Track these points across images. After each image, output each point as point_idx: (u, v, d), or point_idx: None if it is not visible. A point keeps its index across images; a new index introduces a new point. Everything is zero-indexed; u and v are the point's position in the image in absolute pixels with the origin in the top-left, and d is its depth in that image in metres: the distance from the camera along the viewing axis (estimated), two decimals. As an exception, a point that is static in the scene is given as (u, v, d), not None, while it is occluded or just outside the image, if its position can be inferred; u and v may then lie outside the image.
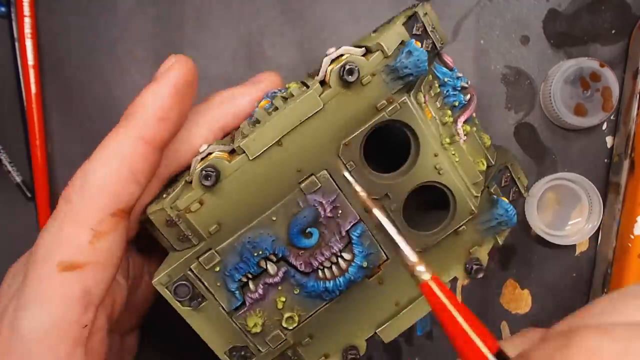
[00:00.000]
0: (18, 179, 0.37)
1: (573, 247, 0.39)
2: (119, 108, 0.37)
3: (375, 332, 0.27)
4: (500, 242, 0.27)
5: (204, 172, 0.23)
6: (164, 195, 0.25)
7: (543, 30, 0.37)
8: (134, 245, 0.30)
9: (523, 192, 0.28)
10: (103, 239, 0.23)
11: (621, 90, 0.37)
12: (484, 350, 0.14)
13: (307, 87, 0.24)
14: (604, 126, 0.38)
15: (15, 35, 0.36)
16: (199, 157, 0.24)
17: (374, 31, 0.27)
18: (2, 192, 0.37)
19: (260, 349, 0.26)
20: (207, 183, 0.23)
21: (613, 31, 0.37)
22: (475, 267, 0.26)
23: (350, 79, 0.22)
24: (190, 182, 0.24)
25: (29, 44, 0.36)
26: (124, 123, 0.24)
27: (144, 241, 0.28)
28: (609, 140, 0.38)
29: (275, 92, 0.27)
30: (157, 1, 0.37)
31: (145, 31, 0.37)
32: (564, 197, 0.38)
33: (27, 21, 0.36)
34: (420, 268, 0.16)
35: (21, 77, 0.36)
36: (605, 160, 0.38)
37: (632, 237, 0.34)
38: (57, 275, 0.22)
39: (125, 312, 0.28)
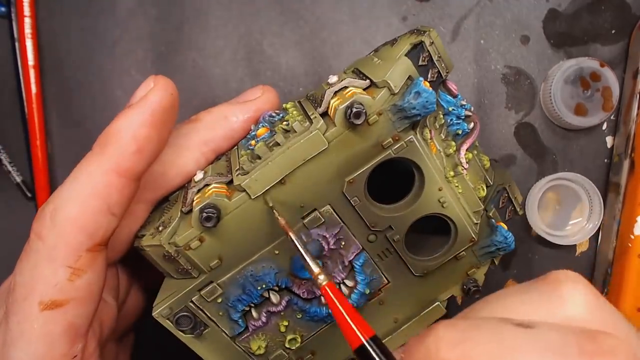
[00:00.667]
0: (18, 179, 0.37)
1: (573, 247, 0.39)
2: (119, 108, 0.37)
3: None
4: (497, 263, 0.27)
5: (204, 213, 0.22)
6: (159, 227, 0.24)
7: (543, 30, 0.37)
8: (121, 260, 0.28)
9: (518, 210, 0.30)
10: (82, 275, 0.22)
11: (621, 90, 0.36)
12: (358, 332, 0.18)
13: (308, 116, 0.23)
14: (604, 126, 0.38)
15: (15, 35, 0.36)
16: (196, 189, 0.24)
17: (375, 51, 0.27)
18: (2, 192, 0.37)
19: None
20: (208, 225, 0.22)
21: (613, 31, 0.37)
22: (472, 288, 0.26)
23: (358, 122, 0.21)
24: (187, 213, 0.23)
25: (29, 44, 0.36)
26: (97, 151, 0.22)
27: (132, 253, 0.27)
28: (609, 140, 0.38)
29: (273, 117, 0.26)
30: (157, 1, 0.37)
31: (145, 31, 0.37)
32: (564, 197, 0.38)
33: (27, 21, 0.36)
34: (321, 276, 0.20)
35: (21, 77, 0.36)
36: (605, 160, 0.38)
37: (632, 237, 0.34)
38: (39, 314, 0.22)
39: (119, 320, 0.28)
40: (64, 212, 0.22)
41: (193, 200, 0.23)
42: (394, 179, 0.25)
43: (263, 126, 0.25)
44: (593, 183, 0.37)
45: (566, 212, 0.38)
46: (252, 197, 0.22)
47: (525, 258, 0.39)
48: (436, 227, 0.25)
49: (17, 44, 0.36)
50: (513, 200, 0.29)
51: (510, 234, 0.25)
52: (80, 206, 0.22)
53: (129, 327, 0.31)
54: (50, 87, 0.37)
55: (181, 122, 0.27)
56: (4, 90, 0.37)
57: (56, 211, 0.22)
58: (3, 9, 0.36)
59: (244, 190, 0.22)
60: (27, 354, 0.22)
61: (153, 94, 0.23)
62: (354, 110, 0.21)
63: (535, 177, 0.38)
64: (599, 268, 0.38)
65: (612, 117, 0.37)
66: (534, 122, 0.38)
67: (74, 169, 0.23)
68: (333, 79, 0.24)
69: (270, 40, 0.38)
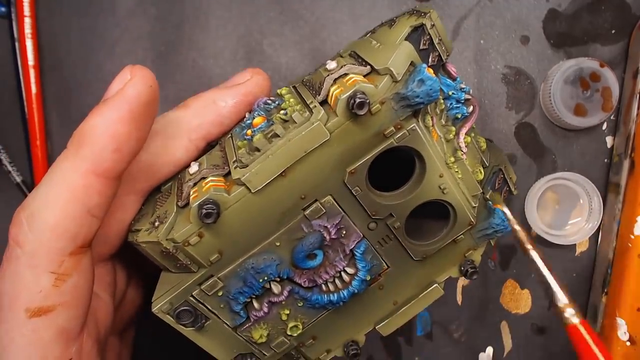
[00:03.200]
0: (18, 179, 0.37)
1: (573, 247, 0.39)
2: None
3: (375, 327, 0.27)
4: (493, 243, 0.27)
5: (204, 210, 0.21)
6: (154, 222, 0.24)
7: (543, 30, 0.37)
8: (118, 254, 0.27)
9: (513, 190, 0.30)
10: (67, 279, 0.21)
11: (621, 90, 0.36)
12: None
13: (306, 104, 0.23)
14: (604, 126, 0.38)
15: (15, 35, 0.36)
16: (192, 182, 0.23)
17: (372, 32, 0.26)
18: (2, 192, 0.37)
19: (265, 354, 0.26)
20: (208, 221, 0.21)
21: (613, 31, 0.37)
22: (470, 270, 0.26)
23: (361, 112, 0.20)
24: (183, 207, 0.23)
25: (29, 44, 0.36)
26: (72, 151, 0.21)
27: (129, 247, 0.26)
28: (609, 140, 0.38)
29: (268, 104, 0.25)
30: (157, 1, 0.37)
31: (145, 31, 0.37)
32: (564, 197, 0.38)
33: (27, 21, 0.36)
34: (570, 311, 0.16)
35: (21, 77, 0.36)
36: (605, 160, 0.38)
37: (632, 237, 0.34)
38: (27, 322, 0.21)
39: (118, 315, 0.27)
40: (41, 217, 0.21)
41: (189, 194, 0.23)
42: (393, 163, 0.25)
43: (259, 115, 0.24)
44: (593, 183, 0.37)
45: (565, 211, 0.38)
46: (253, 191, 0.22)
47: (524, 258, 0.39)
48: (434, 211, 0.25)
49: (17, 44, 0.36)
50: (508, 180, 0.29)
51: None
52: (58, 211, 0.21)
53: (131, 321, 0.30)
54: (50, 87, 0.37)
55: (169, 110, 0.26)
56: (4, 90, 0.37)
57: (33, 216, 0.21)
58: (3, 9, 0.36)
59: (244, 184, 0.22)
60: (22, 359, 0.21)
61: (130, 87, 0.21)
62: (357, 100, 0.20)
63: (535, 176, 0.38)
64: (598, 268, 0.38)
65: (612, 117, 0.37)
66: (534, 122, 0.38)
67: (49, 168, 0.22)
68: (331, 64, 0.23)
69: (270, 40, 0.38)
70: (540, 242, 0.38)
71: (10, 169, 0.37)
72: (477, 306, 0.39)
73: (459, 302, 0.40)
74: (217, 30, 0.37)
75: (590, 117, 0.36)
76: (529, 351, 0.40)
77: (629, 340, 0.35)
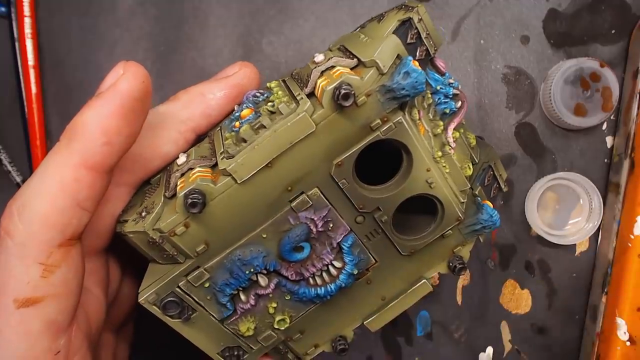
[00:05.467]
0: (18, 179, 0.37)
1: (573, 247, 0.39)
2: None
3: (363, 323, 0.27)
4: (482, 240, 0.27)
5: (189, 200, 0.21)
6: (142, 212, 0.24)
7: (543, 30, 0.37)
8: (110, 249, 0.27)
9: (503, 187, 0.30)
10: (55, 271, 0.21)
11: (621, 90, 0.36)
12: None
13: (294, 96, 0.23)
14: (604, 126, 0.38)
15: (15, 35, 0.36)
16: (179, 173, 0.23)
17: (362, 27, 0.26)
18: (2, 192, 0.38)
19: (253, 347, 0.26)
20: (194, 210, 0.21)
21: (613, 31, 0.37)
22: (458, 265, 0.26)
23: (346, 103, 0.21)
24: (170, 198, 0.23)
25: (29, 44, 0.36)
26: (64, 144, 0.21)
27: (123, 242, 0.26)
28: (609, 140, 0.38)
29: (257, 97, 0.25)
30: (157, 1, 0.37)
31: (145, 31, 0.37)
32: (564, 197, 0.38)
33: (27, 21, 0.36)
34: None
35: (21, 77, 0.36)
36: (605, 160, 0.38)
37: (632, 237, 0.34)
38: (15, 312, 0.21)
39: (112, 311, 0.27)
40: (31, 208, 0.21)
41: (177, 185, 0.23)
42: (380, 157, 0.25)
43: (247, 107, 0.24)
44: (593, 183, 0.37)
45: (566, 211, 0.38)
46: (239, 182, 0.22)
47: (524, 258, 0.39)
48: (422, 206, 0.25)
49: (17, 44, 0.36)
50: (498, 177, 0.29)
51: (496, 211, 0.25)
52: (48, 202, 0.21)
53: (127, 317, 0.30)
54: (50, 87, 0.37)
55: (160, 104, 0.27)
56: (4, 90, 0.37)
57: (24, 207, 0.21)
58: (3, 9, 0.36)
59: (230, 175, 0.22)
60: (7, 350, 0.21)
61: (122, 82, 0.22)
62: (343, 91, 0.20)
63: (535, 176, 0.38)
64: (599, 268, 0.38)
65: (612, 117, 0.37)
66: (534, 122, 0.38)
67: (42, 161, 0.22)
68: (319, 57, 0.23)
69: (269, 39, 0.38)
70: (540, 242, 0.38)
71: (10, 169, 0.37)
72: (477, 306, 0.39)
73: (459, 302, 0.40)
74: (216, 29, 0.37)
75: (590, 117, 0.36)
76: (529, 351, 0.40)
77: (628, 340, 0.35)
